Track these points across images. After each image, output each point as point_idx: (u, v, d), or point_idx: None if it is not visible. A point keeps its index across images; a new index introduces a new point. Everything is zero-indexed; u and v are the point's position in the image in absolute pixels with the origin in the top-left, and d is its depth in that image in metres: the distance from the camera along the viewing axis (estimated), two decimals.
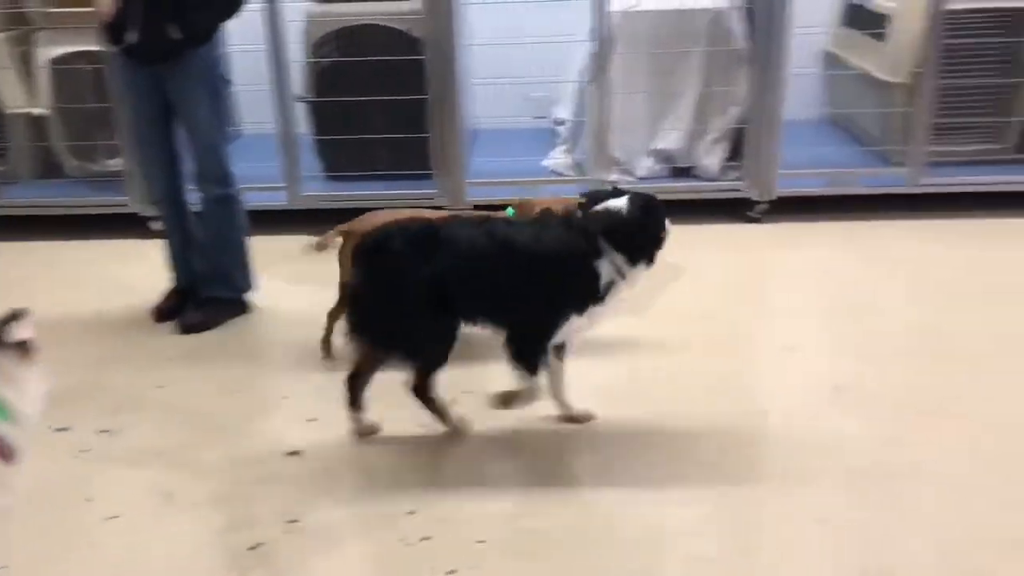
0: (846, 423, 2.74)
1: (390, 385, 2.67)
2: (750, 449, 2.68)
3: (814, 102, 5.04)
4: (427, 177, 4.27)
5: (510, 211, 3.19)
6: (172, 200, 3.45)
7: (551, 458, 2.65)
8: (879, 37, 4.43)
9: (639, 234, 2.54)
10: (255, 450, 2.72)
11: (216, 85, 3.30)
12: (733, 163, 4.35)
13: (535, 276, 2.52)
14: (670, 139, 4.38)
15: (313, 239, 3.10)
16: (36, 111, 4.39)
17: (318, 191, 4.33)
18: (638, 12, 4.17)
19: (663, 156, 4.42)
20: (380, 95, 4.10)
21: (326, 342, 3.15)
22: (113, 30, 3.14)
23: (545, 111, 4.94)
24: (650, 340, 3.23)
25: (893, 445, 2.62)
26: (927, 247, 3.98)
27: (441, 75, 4.12)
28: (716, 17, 4.18)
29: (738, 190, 4.27)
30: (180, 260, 3.54)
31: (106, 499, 2.52)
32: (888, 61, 4.32)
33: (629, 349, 3.17)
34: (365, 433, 2.73)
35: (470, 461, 2.64)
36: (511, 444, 2.70)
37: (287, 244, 4.12)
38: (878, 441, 2.65)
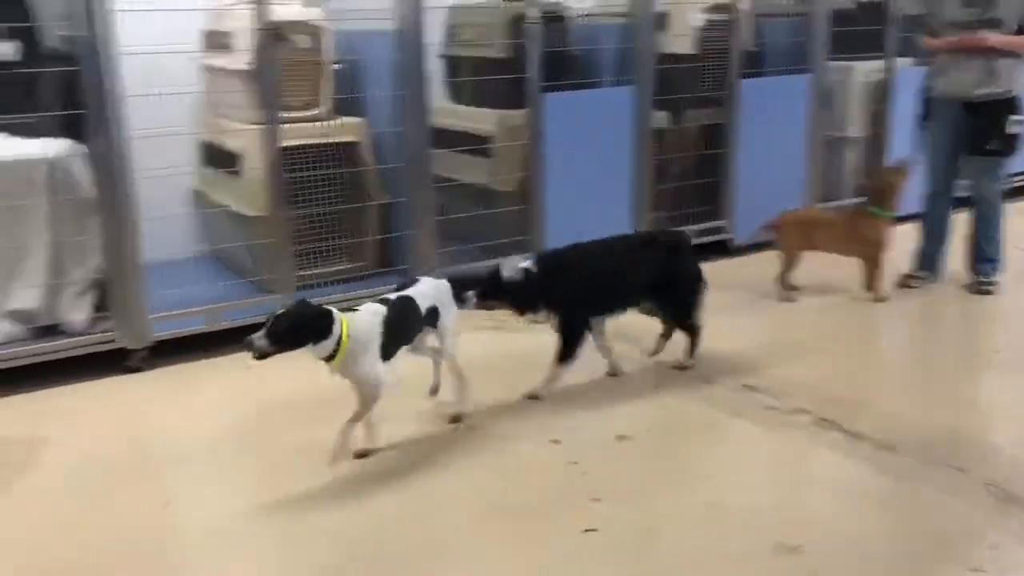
0: None
1: None
2: None
3: (190, 240, 5.06)
4: None
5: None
6: None
7: None
8: (234, 174, 4.62)
9: None
10: None
11: None
12: (102, 313, 4.11)
13: None
14: (26, 298, 3.99)
15: None
16: None
17: None
18: None
19: (21, 317, 4.01)
20: None
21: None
22: None
23: None
24: None
25: None
26: None
27: None
28: (52, 166, 3.94)
29: (112, 341, 4.04)
30: None
31: None
32: (245, 196, 4.52)
33: None
34: None
35: None
36: None
37: None
38: None
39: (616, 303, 3.86)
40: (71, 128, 4.02)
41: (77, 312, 4.08)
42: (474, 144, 5.15)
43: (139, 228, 4.02)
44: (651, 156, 5.36)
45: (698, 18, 5.52)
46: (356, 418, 3.12)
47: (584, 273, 3.73)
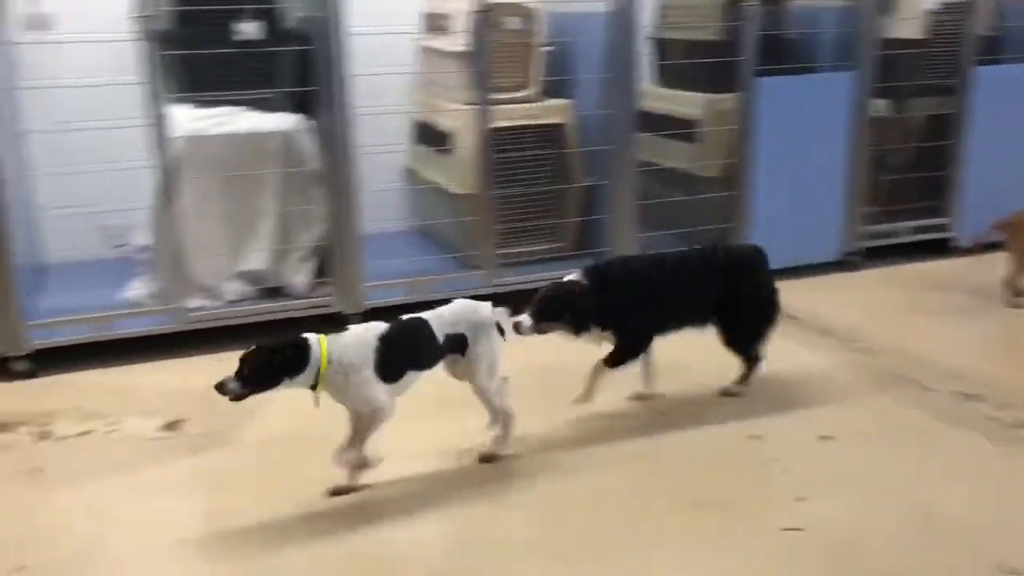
0: None
1: None
2: None
3: (400, 214, 5.30)
4: None
5: None
6: None
7: None
8: (445, 153, 4.79)
9: None
10: None
11: None
12: (322, 279, 4.39)
13: None
14: (256, 260, 4.33)
15: None
16: None
17: None
18: (203, 137, 4.11)
19: (251, 278, 4.35)
20: None
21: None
22: None
23: (124, 240, 4.67)
24: None
25: None
26: None
27: None
28: (285, 139, 4.25)
29: (328, 305, 4.31)
30: None
31: None
32: (454, 175, 4.68)
33: None
34: None
35: None
36: None
37: None
38: None
39: (674, 322, 3.45)
40: (302, 104, 4.31)
41: (300, 276, 4.38)
42: (679, 128, 5.07)
43: (359, 200, 4.25)
44: (868, 146, 5.08)
45: (932, 1, 5.16)
46: (352, 444, 2.90)
47: (643, 288, 3.36)
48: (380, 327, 2.91)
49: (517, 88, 4.72)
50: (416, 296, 4.44)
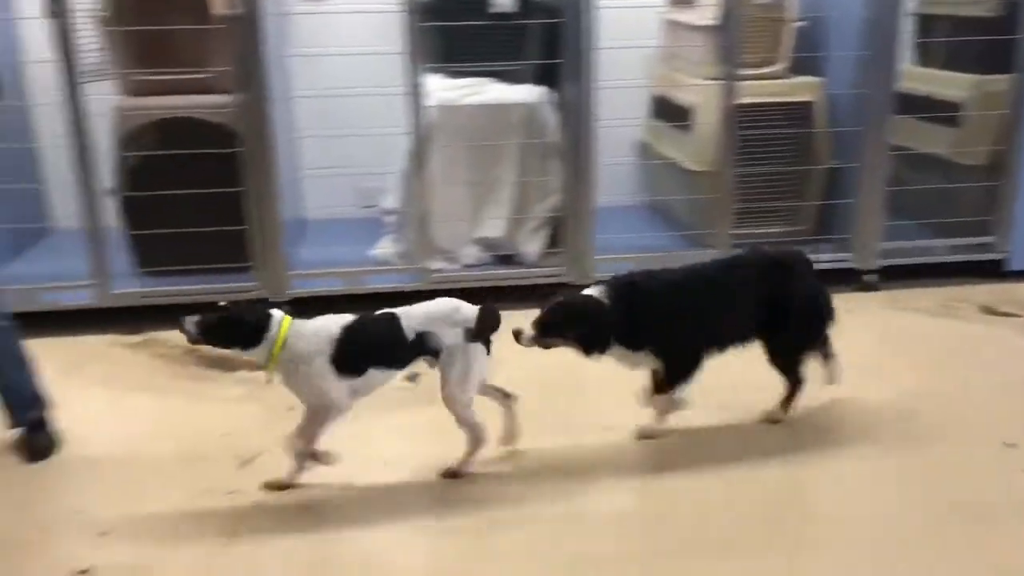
0: None
1: None
2: None
3: (631, 189, 5.29)
4: (247, 270, 4.19)
5: None
6: None
7: None
8: (683, 129, 4.72)
9: None
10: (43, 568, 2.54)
11: None
12: (553, 249, 4.48)
13: None
14: (492, 227, 4.48)
15: None
16: None
17: (130, 288, 4.16)
18: (456, 106, 4.30)
19: (487, 244, 4.52)
20: (195, 189, 4.01)
21: None
22: None
23: (375, 201, 4.97)
24: None
25: None
26: None
27: (258, 168, 4.08)
28: (529, 111, 4.35)
29: (559, 275, 4.39)
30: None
31: None
32: (692, 151, 4.61)
33: None
34: None
35: None
36: None
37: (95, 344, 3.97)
38: None
39: (713, 340, 3.08)
40: (546, 76, 4.39)
41: (532, 245, 4.50)
42: (939, 111, 4.71)
43: (595, 173, 4.29)
44: None
45: None
46: (300, 433, 2.78)
47: (673, 303, 3.02)
48: (347, 318, 2.78)
49: (764, 64, 4.57)
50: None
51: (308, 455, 2.82)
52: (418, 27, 4.00)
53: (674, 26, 4.90)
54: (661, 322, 2.98)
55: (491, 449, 2.97)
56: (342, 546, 2.65)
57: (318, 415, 2.75)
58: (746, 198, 4.49)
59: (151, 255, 4.23)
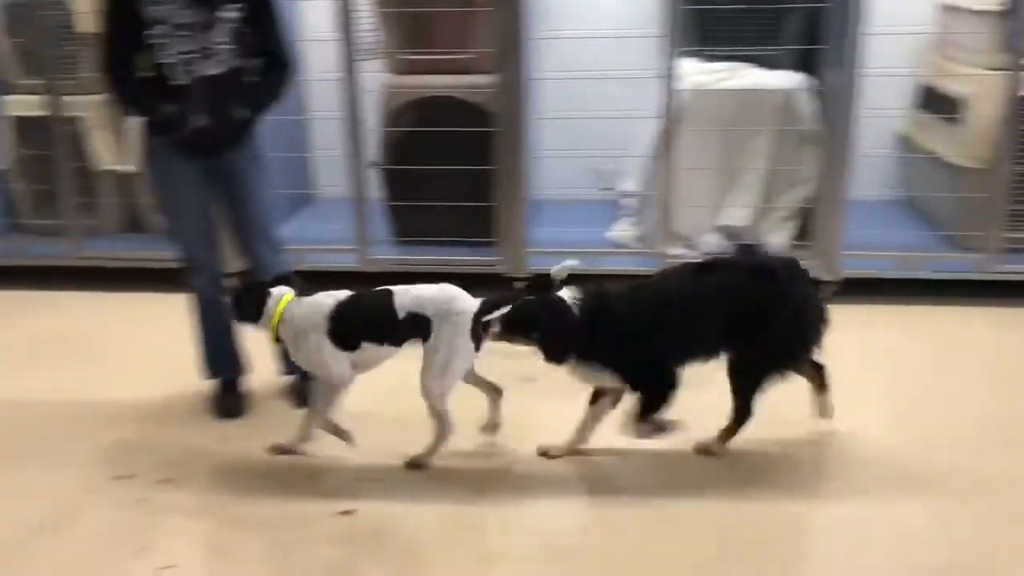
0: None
1: None
2: None
3: (886, 183, 4.99)
4: (491, 245, 4.35)
5: None
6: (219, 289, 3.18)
7: None
8: (953, 121, 4.38)
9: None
10: (311, 507, 2.77)
11: (264, 161, 3.19)
12: (801, 242, 4.31)
13: None
14: (736, 216, 4.38)
15: None
16: (123, 168, 4.61)
17: (386, 254, 4.43)
18: (708, 91, 4.22)
19: (728, 232, 4.42)
20: (451, 165, 4.20)
21: None
22: (171, 119, 2.92)
23: (612, 184, 4.99)
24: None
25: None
26: (1001, 334, 3.88)
27: (510, 148, 4.21)
28: (786, 97, 4.20)
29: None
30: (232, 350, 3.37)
31: (162, 550, 2.58)
32: (962, 146, 4.27)
33: None
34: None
35: None
36: None
37: None
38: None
39: (684, 352, 2.78)
40: (805, 62, 4.21)
41: (779, 235, 4.35)
42: None
43: (854, 165, 4.08)
44: None
45: None
46: (312, 405, 2.97)
47: (638, 327, 2.72)
48: (342, 294, 2.88)
49: None
50: (899, 272, 4.21)
51: (329, 429, 2.96)
52: (680, 10, 3.96)
53: (952, 11, 4.54)
54: (624, 346, 2.74)
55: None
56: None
57: (324, 387, 2.91)
58: (1020, 199, 4.11)
59: (406, 225, 4.48)
